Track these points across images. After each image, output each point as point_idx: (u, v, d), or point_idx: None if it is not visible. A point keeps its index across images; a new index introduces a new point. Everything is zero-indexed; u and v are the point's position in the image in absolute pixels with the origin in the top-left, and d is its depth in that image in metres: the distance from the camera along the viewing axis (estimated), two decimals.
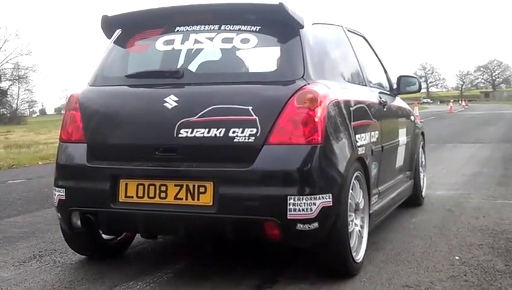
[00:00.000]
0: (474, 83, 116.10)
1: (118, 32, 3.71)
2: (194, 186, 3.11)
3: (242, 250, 4.04)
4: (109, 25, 3.69)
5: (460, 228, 4.59)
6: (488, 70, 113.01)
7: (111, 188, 3.25)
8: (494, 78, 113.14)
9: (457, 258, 3.72)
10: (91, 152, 3.38)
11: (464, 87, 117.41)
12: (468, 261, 3.66)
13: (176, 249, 4.21)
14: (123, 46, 3.71)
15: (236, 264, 3.72)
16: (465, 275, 3.37)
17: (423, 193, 5.77)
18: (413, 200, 5.47)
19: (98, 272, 3.61)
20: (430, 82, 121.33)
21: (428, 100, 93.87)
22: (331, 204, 3.06)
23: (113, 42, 3.71)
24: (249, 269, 3.57)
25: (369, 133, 3.81)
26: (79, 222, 3.39)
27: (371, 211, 3.73)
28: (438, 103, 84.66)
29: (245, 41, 3.37)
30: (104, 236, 3.84)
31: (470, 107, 46.75)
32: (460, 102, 64.34)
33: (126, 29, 3.70)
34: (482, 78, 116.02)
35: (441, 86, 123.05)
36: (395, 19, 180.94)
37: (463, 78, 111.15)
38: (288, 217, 2.97)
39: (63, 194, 3.45)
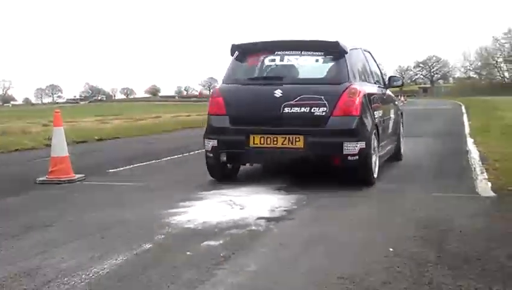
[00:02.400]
0: (413, 79, 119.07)
1: (237, 53, 6.72)
2: (292, 138, 6.04)
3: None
4: (232, 48, 6.73)
5: (397, 220, 4.72)
6: (427, 66, 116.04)
7: (245, 139, 6.18)
8: (432, 74, 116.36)
9: (391, 249, 3.82)
10: (231, 120, 6.30)
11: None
12: (402, 252, 3.76)
13: (110, 246, 4.15)
14: (241, 62, 6.75)
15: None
16: (398, 267, 3.47)
17: (402, 152, 8.70)
18: (397, 156, 8.39)
19: (34, 268, 3.54)
20: None
21: None
22: (364, 147, 5.99)
23: (234, 58, 6.74)
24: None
25: (378, 111, 6.80)
26: (225, 158, 6.37)
27: (379, 154, 6.68)
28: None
29: (316, 61, 6.48)
30: (228, 166, 6.81)
31: (409, 102, 48.18)
32: (399, 97, 65.34)
33: (242, 51, 6.75)
34: (421, 74, 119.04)
35: None
36: (335, 12, 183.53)
37: (403, 73, 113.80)
38: (344, 153, 5.88)
39: (216, 143, 6.35)
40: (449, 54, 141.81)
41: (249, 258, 3.73)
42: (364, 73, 7.07)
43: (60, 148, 7.35)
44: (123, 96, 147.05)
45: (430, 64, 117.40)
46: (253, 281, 3.29)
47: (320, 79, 6.45)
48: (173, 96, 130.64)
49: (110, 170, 8.25)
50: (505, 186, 6.07)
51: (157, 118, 28.31)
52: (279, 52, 6.60)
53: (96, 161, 9.74)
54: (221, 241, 4.13)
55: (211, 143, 6.46)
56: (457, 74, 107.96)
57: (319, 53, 6.52)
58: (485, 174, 7.06)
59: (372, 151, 6.30)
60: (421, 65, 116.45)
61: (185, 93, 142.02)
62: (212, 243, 4.10)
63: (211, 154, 6.53)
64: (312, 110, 6.06)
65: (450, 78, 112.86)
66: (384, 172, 7.56)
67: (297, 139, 6.08)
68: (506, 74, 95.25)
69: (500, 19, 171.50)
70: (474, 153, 9.31)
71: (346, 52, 6.46)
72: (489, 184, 6.33)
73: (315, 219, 4.87)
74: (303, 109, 6.10)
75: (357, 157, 5.97)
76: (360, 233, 4.32)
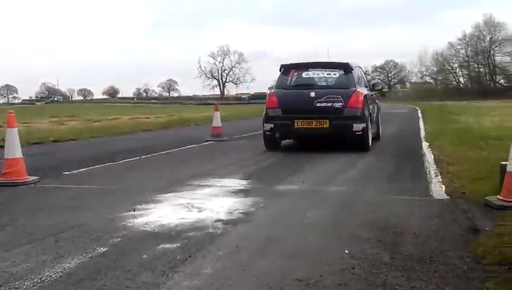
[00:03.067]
0: (372, 83, 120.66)
1: (283, 69, 10.74)
2: (321, 121, 9.82)
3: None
4: (280, 67, 10.83)
5: (352, 223, 4.78)
6: (385, 71, 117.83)
7: (291, 123, 9.96)
8: (390, 78, 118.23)
9: (346, 251, 3.87)
10: (282, 111, 10.04)
11: None
12: (357, 254, 3.81)
13: (63, 250, 4.08)
14: (285, 75, 10.67)
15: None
16: (353, 268, 3.51)
17: (380, 135, 12.51)
18: (378, 137, 12.03)
19: None
20: None
21: None
22: (365, 126, 9.87)
23: (281, 73, 10.79)
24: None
25: (370, 106, 10.58)
26: (278, 135, 10.31)
27: (371, 132, 10.44)
28: None
29: (334, 74, 10.50)
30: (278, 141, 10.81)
31: None
32: None
33: (286, 69, 10.71)
34: (379, 79, 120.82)
35: None
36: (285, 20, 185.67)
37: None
38: (353, 130, 9.71)
39: (272, 125, 10.22)
40: (406, 59, 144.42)
41: (205, 261, 3.72)
42: (361, 81, 11.40)
43: (14, 149, 7.21)
44: (80, 98, 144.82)
45: (387, 69, 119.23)
46: (210, 284, 3.28)
47: (338, 85, 10.43)
48: (132, 98, 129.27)
49: (66, 172, 8.12)
50: (458, 190, 6.20)
51: (115, 119, 27.96)
52: (311, 69, 10.83)
53: (51, 162, 9.57)
54: (178, 244, 4.11)
55: (269, 126, 10.51)
56: (414, 79, 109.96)
57: (336, 70, 10.71)
58: (439, 177, 7.21)
59: (369, 129, 10.34)
60: (379, 70, 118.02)
61: (144, 95, 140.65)
62: (168, 246, 4.08)
63: (269, 133, 10.62)
64: (334, 105, 10.04)
65: (407, 83, 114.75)
66: (339, 176, 7.65)
67: (325, 122, 10.03)
68: (461, 80, 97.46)
69: (455, 25, 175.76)
70: (428, 157, 9.49)
71: (353, 69, 10.81)
72: (443, 187, 6.46)
73: (272, 222, 4.90)
74: (328, 104, 10.06)
75: (361, 132, 10.02)
76: (316, 235, 4.36)
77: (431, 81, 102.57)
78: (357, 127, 10.02)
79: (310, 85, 10.55)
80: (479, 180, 6.54)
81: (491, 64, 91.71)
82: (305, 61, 11.03)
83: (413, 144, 12.11)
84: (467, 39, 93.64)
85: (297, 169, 8.31)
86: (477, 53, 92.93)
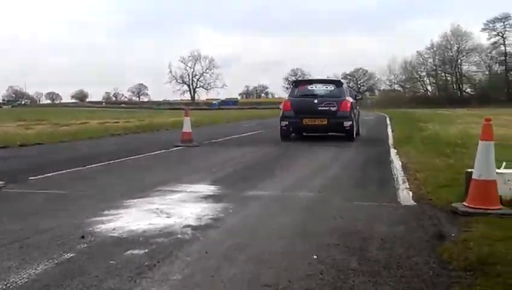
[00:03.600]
0: (354, 94, 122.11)
1: (293, 83, 16.43)
2: (322, 120, 14.12)
3: None
4: (292, 81, 17.91)
5: (320, 228, 4.80)
6: (354, 78, 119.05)
7: (301, 121, 14.53)
8: (359, 86, 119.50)
9: (315, 257, 3.89)
10: (294, 112, 14.32)
11: None
12: (325, 260, 3.83)
13: (29, 256, 4.02)
14: (296, 87, 15.39)
15: None
16: (321, 274, 3.53)
17: (360, 132, 16.75)
18: (358, 133, 16.03)
19: None
20: None
21: None
22: (351, 123, 14.36)
23: (293, 86, 15.79)
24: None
25: (354, 110, 15.31)
26: (291, 130, 14.64)
27: (355, 128, 15.22)
28: None
29: (330, 88, 15.00)
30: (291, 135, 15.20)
31: None
32: None
33: (296, 83, 15.97)
34: (349, 86, 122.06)
35: None
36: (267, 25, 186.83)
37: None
38: (344, 126, 14.12)
39: (287, 122, 14.49)
40: (375, 67, 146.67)
41: (173, 266, 3.70)
42: (348, 93, 15.69)
43: None
44: (48, 101, 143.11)
45: (357, 76, 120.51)
46: None
47: (333, 95, 14.61)
48: (101, 102, 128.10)
49: (32, 177, 7.98)
50: (425, 196, 6.29)
51: (84, 124, 27.65)
52: (314, 84, 15.32)
53: (17, 167, 9.41)
54: (146, 250, 4.08)
55: (285, 123, 14.59)
56: (383, 87, 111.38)
57: (332, 84, 15.29)
58: (406, 183, 7.29)
59: (354, 126, 14.55)
60: (348, 77, 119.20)
61: (113, 99, 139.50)
62: (136, 251, 4.04)
63: (285, 128, 14.66)
64: (330, 108, 14.12)
65: (376, 91, 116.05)
66: (308, 183, 7.69)
67: (324, 120, 14.14)
68: (429, 88, 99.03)
69: (423, 34, 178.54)
70: (396, 163, 9.60)
71: (343, 84, 15.66)
72: (411, 193, 6.54)
73: (240, 227, 4.89)
74: (326, 108, 14.14)
75: (349, 128, 14.15)
76: (284, 241, 4.37)
77: (399, 89, 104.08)
78: (346, 124, 14.49)
79: (313, 95, 14.97)
80: (445, 187, 6.64)
81: (457, 73, 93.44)
82: (310, 78, 17.57)
83: (382, 151, 12.25)
84: (435, 48, 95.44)
85: (269, 174, 8.32)
86: (444, 62, 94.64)
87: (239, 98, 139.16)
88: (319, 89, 15.18)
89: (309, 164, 9.87)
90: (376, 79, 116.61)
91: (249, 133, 19.71)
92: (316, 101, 14.57)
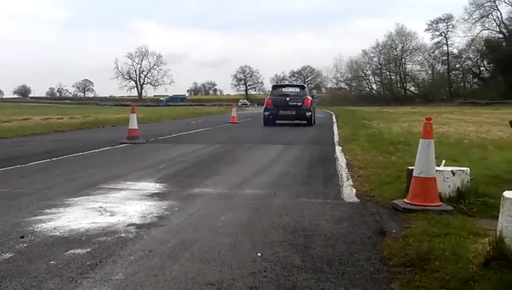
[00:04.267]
0: (312, 94, 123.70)
1: (272, 87, 25.08)
2: (291, 111, 22.20)
3: None
4: (272, 86, 26.58)
5: (265, 226, 4.82)
6: (302, 76, 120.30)
7: (277, 111, 22.62)
8: (306, 83, 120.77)
9: (259, 255, 3.91)
10: (273, 106, 22.50)
11: None
12: (269, 257, 3.86)
13: None
14: (274, 89, 24.07)
15: None
16: (265, 271, 3.55)
17: (315, 121, 24.01)
18: (314, 121, 23.57)
19: None
20: (249, 85, 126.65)
21: (246, 102, 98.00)
22: (311, 114, 22.75)
23: (272, 88, 24.73)
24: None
25: (313, 105, 24.25)
26: (271, 117, 22.68)
27: (314, 117, 23.66)
28: (256, 105, 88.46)
29: (297, 89, 23.77)
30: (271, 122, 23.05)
31: None
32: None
33: (274, 87, 24.95)
34: (296, 83, 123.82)
35: (258, 89, 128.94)
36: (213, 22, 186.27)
37: (279, 82, 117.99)
38: (306, 115, 22.22)
39: (269, 113, 22.58)
40: (322, 65, 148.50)
41: (116, 266, 3.65)
42: (308, 93, 23.75)
43: None
44: None
45: (304, 74, 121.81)
46: None
47: (298, 94, 22.19)
48: (45, 98, 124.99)
49: None
50: (367, 193, 6.41)
51: (26, 120, 26.90)
52: (286, 87, 23.67)
53: None
54: (88, 250, 4.01)
55: (267, 113, 22.09)
56: (330, 85, 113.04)
57: (298, 88, 23.54)
58: (350, 181, 7.42)
59: (312, 115, 22.41)
60: (296, 75, 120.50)
61: (58, 94, 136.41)
62: (78, 251, 3.97)
63: (267, 117, 22.25)
64: (297, 103, 21.55)
65: (323, 88, 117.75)
66: (254, 180, 7.72)
67: (293, 111, 21.70)
68: (374, 86, 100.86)
69: (369, 34, 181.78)
70: (341, 161, 9.76)
71: (305, 87, 24.66)
72: (354, 190, 6.66)
73: (185, 225, 4.87)
74: (294, 103, 21.59)
75: (309, 117, 21.91)
76: (228, 239, 4.37)
77: (346, 87, 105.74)
78: (307, 114, 22.17)
79: (286, 94, 22.63)
80: (387, 184, 6.78)
81: (402, 72, 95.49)
82: (283, 84, 28.79)
83: (327, 148, 12.41)
84: (380, 47, 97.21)
85: (216, 172, 8.32)
86: (389, 61, 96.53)
87: (187, 94, 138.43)
88: (289, 90, 23.40)
89: (256, 161, 9.91)
90: (323, 77, 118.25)
91: (197, 130, 19.64)
92: (287, 98, 22.45)
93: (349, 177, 7.72)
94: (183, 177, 7.79)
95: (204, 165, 9.29)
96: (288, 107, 22.31)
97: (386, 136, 14.70)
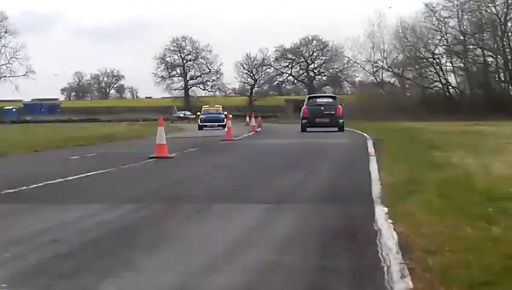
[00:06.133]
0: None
1: (308, 98, 71.70)
2: (326, 118, 64.86)
3: None
4: (307, 97, 74.68)
5: None
6: (302, 59, 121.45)
7: (313, 119, 66.06)
8: (309, 71, 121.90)
9: None
10: (309, 114, 65.48)
11: None
12: None
13: None
14: (309, 100, 69.68)
15: None
16: None
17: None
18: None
19: None
20: (192, 77, 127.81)
21: (185, 113, 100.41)
22: (343, 121, 65.40)
23: (307, 99, 71.02)
24: None
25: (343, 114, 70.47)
26: (308, 124, 65.70)
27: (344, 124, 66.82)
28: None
29: (330, 100, 71.54)
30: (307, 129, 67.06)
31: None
32: (247, 118, 75.48)
33: (309, 98, 71.69)
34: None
35: (213, 87, 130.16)
36: None
37: (274, 77, 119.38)
38: (339, 122, 63.55)
39: (306, 120, 65.78)
40: (342, 35, 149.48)
41: None
42: (339, 103, 68.24)
43: None
44: None
45: (307, 54, 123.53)
46: None
47: (331, 104, 66.04)
48: None
49: None
50: None
51: None
52: (320, 98, 72.43)
53: None
54: None
55: (304, 121, 63.04)
56: (360, 76, 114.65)
57: (331, 98, 71.49)
58: (407, 279, 7.40)
59: (344, 123, 62.95)
60: (289, 56, 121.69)
61: None
62: None
63: (304, 122, 63.04)
64: (331, 112, 62.90)
65: (345, 84, 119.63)
66: (196, 287, 7.69)
67: (327, 119, 62.61)
68: (452, 79, 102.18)
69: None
70: (388, 236, 9.72)
71: (337, 98, 72.73)
72: None
73: None
74: (328, 112, 62.91)
75: (342, 123, 61.96)
76: None
77: (393, 80, 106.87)
78: (340, 121, 59.95)
79: (320, 104, 63.78)
80: (487, 286, 6.78)
81: (508, 49, 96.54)
82: (318, 95, 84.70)
83: (357, 212, 12.40)
84: None
85: (122, 263, 8.28)
86: (481, 26, 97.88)
87: (62, 98, 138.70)
88: (324, 101, 64.64)
89: (210, 240, 9.90)
90: (345, 61, 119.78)
91: (86, 175, 19.56)
92: (322, 108, 60.26)
93: (406, 272, 7.72)
94: (55, 278, 7.72)
95: (102, 250, 9.24)
96: (323, 116, 57.58)
97: (479, 184, 14.71)
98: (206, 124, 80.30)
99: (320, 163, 23.59)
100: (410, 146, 29.50)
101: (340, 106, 63.82)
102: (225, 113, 79.86)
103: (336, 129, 58.61)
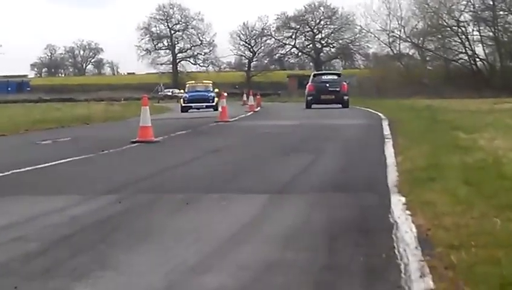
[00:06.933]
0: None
1: (313, 75, 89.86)
2: (331, 95, 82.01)
3: None
4: (312, 74, 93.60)
5: None
6: (308, 28, 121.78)
7: (318, 95, 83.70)
8: (316, 42, 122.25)
9: None
10: (315, 91, 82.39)
11: None
12: None
13: None
14: (314, 77, 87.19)
15: None
16: None
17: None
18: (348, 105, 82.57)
19: None
20: (181, 50, 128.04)
21: (174, 90, 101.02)
22: (348, 97, 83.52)
23: (312, 76, 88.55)
24: None
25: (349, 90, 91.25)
26: (313, 101, 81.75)
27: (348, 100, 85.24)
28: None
29: (334, 77, 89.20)
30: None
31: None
32: (244, 96, 76.08)
33: (314, 75, 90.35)
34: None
35: (205, 61, 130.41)
36: None
37: (274, 50, 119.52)
38: (343, 98, 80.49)
39: (311, 96, 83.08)
40: (352, 1, 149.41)
41: None
42: (343, 79, 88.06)
43: None
44: None
45: (313, 22, 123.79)
46: None
47: (336, 80, 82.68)
48: None
49: None
50: None
51: None
52: (325, 75, 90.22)
53: None
54: None
55: (310, 97, 78.49)
56: (374, 48, 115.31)
57: (335, 75, 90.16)
58: (427, 278, 7.41)
59: (349, 99, 79.29)
60: (292, 25, 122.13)
61: None
62: None
63: (310, 100, 78.37)
64: (335, 88, 78.59)
65: (357, 57, 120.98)
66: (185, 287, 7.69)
67: (332, 95, 78.38)
68: (480, 50, 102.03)
69: None
70: (405, 229, 9.76)
71: (341, 74, 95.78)
72: None
73: None
74: (333, 89, 78.70)
75: (347, 100, 78.04)
76: None
77: (412, 51, 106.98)
78: (345, 98, 75.07)
79: (325, 81, 78.60)
80: None
81: None
82: (322, 72, 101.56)
83: (370, 202, 12.44)
84: None
85: (99, 262, 8.28)
86: None
87: (33, 75, 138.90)
88: (328, 78, 79.40)
89: (200, 234, 9.90)
90: (357, 30, 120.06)
91: (58, 162, 19.60)
92: (327, 84, 74.56)
93: (427, 271, 7.72)
94: (22, 279, 7.72)
95: (76, 248, 9.25)
96: (328, 93, 71.76)
97: (511, 170, 14.73)
98: (190, 104, 69.17)
99: (329, 147, 23.65)
100: (431, 127, 29.46)
101: (345, 83, 76.56)
102: (216, 90, 72.61)
103: (340, 106, 71.11)
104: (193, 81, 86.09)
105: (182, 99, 71.57)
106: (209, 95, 70.27)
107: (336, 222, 10.87)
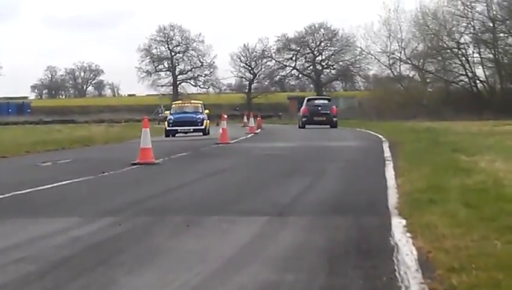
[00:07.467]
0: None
1: (307, 100, 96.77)
2: (322, 117, 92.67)
3: None
4: (306, 99, 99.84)
5: None
6: (308, 49, 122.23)
7: (312, 117, 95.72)
8: (316, 63, 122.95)
9: None
10: (308, 113, 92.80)
11: None
12: None
13: None
14: (308, 101, 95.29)
15: None
16: None
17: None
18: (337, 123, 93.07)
19: None
20: (182, 72, 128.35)
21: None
22: (336, 119, 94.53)
23: (306, 101, 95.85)
24: None
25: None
26: (307, 121, 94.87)
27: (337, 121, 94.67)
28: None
29: (325, 101, 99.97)
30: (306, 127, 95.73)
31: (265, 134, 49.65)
32: (244, 118, 79.02)
33: (308, 100, 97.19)
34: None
35: (205, 83, 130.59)
36: None
37: (274, 71, 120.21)
38: (333, 120, 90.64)
39: (305, 118, 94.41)
40: (353, 22, 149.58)
41: None
42: (334, 103, 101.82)
43: None
44: None
45: (314, 44, 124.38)
46: None
47: (327, 104, 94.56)
48: None
49: None
50: None
51: None
52: (317, 100, 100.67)
53: None
54: None
55: (304, 119, 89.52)
56: (374, 69, 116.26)
57: (326, 100, 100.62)
58: None
59: (337, 120, 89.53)
60: (292, 47, 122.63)
61: None
62: None
63: (304, 120, 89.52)
64: (326, 111, 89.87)
65: (357, 79, 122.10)
66: None
67: (324, 117, 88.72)
68: (481, 72, 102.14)
69: None
70: (406, 252, 9.78)
71: (330, 99, 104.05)
72: None
73: None
74: (324, 111, 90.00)
75: (335, 121, 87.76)
76: None
77: (412, 73, 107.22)
78: (334, 119, 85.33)
79: (318, 105, 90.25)
80: None
81: None
82: (315, 96, 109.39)
83: (370, 224, 12.45)
84: None
85: (100, 287, 8.27)
86: None
87: (33, 97, 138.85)
88: (320, 102, 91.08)
89: (200, 258, 9.90)
90: (357, 52, 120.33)
91: (58, 184, 19.59)
92: (319, 108, 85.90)
93: None
94: None
95: (77, 270, 9.25)
96: (320, 115, 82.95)
97: (510, 192, 14.72)
98: (176, 128, 59.45)
99: (329, 169, 23.62)
100: (432, 149, 29.44)
101: (334, 107, 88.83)
102: (207, 111, 62.46)
103: (329, 126, 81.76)
104: (180, 101, 77.80)
105: (166, 122, 61.00)
106: (197, 117, 59.71)
107: (336, 244, 10.87)
